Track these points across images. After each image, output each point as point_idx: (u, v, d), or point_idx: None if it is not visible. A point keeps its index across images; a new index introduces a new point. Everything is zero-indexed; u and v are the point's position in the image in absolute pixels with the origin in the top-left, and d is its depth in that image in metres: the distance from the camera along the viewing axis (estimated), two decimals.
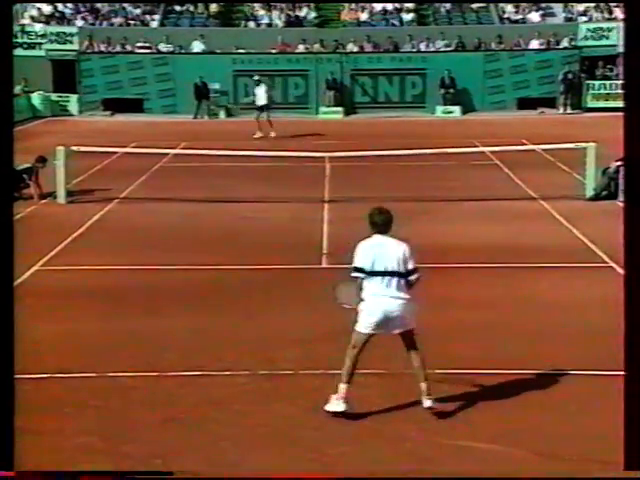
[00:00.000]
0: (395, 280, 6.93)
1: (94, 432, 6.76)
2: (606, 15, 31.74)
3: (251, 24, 32.59)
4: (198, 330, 9.08)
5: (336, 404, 6.93)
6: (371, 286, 6.96)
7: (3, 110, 5.32)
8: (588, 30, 30.41)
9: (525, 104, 28.96)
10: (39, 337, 8.52)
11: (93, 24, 32.20)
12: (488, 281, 10.72)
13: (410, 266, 6.98)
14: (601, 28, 30.46)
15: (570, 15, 32.02)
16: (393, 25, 32.14)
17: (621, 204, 14.70)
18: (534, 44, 30.26)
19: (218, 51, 30.12)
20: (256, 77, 25.01)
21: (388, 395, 7.46)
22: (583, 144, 15.62)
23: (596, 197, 15.08)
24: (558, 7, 32.21)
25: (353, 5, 32.76)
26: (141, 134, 23.81)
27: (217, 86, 28.90)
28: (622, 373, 7.39)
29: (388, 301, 6.92)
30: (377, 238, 7.15)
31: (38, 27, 30.56)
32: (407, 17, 32.41)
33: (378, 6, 32.77)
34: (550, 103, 28.92)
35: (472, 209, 14.62)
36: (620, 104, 27.53)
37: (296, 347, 8.52)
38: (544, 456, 6.37)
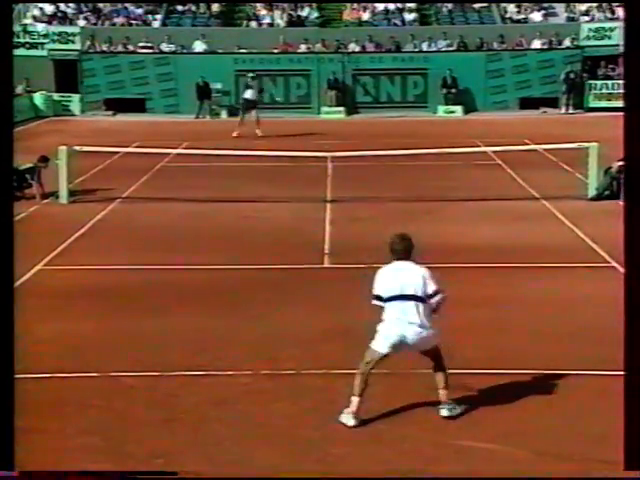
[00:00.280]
0: (413, 305, 6.88)
1: (95, 432, 6.76)
2: (608, 15, 31.70)
3: (253, 24, 32.60)
4: (200, 330, 9.08)
5: (346, 418, 6.90)
6: (390, 312, 6.97)
7: (3, 110, 5.32)
8: (590, 30, 30.37)
9: (527, 104, 28.95)
10: (40, 336, 8.53)
11: (95, 24, 32.22)
12: (490, 281, 10.72)
13: (430, 290, 6.91)
14: (603, 28, 30.43)
15: (572, 15, 31.99)
16: (395, 25, 32.13)
17: (623, 204, 14.70)
18: (536, 44, 30.24)
19: (220, 51, 30.12)
20: (251, 74, 24.95)
21: (390, 394, 7.45)
22: (585, 144, 15.61)
23: (598, 197, 15.06)
24: (560, 7, 32.18)
25: (355, 5, 32.75)
26: (143, 134, 23.83)
27: (219, 86, 28.91)
28: (620, 372, 7.41)
29: (405, 327, 6.90)
30: (396, 264, 7.12)
31: (40, 27, 30.58)
32: (409, 17, 32.40)
33: (380, 6, 32.75)
34: (552, 103, 28.90)
35: (474, 209, 14.61)
36: (622, 104, 27.49)
37: (298, 347, 8.51)
38: (545, 456, 6.37)
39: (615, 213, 14.15)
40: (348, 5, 32.81)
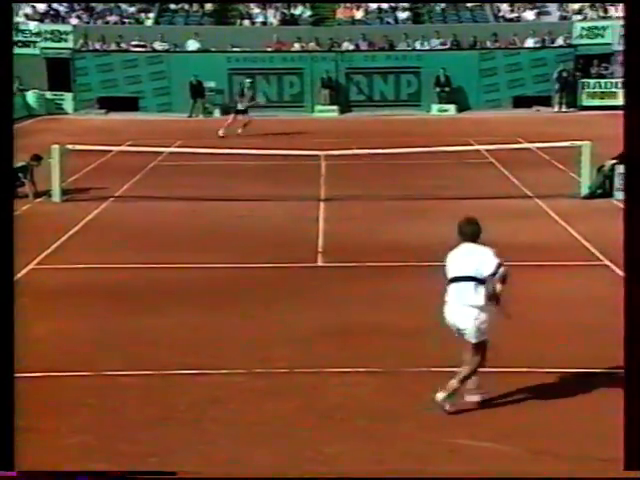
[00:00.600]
0: (464, 287, 6.95)
1: (89, 431, 6.75)
2: (601, 14, 31.79)
3: (246, 22, 32.58)
4: (194, 328, 9.07)
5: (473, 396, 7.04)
6: (447, 294, 7.06)
7: (3, 109, 5.32)
8: (583, 29, 30.44)
9: (520, 102, 28.98)
10: (34, 335, 8.50)
11: (88, 22, 32.15)
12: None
13: (488, 271, 6.94)
14: (596, 27, 30.50)
15: (565, 13, 32.06)
16: (388, 23, 32.14)
17: (616, 202, 14.73)
18: (529, 42, 30.29)
19: (213, 49, 30.09)
20: (248, 81, 24.90)
21: (383, 393, 7.47)
22: (578, 142, 15.63)
23: (591, 195, 15.09)
24: (553, 5, 32.23)
25: (348, 3, 32.76)
26: (136, 132, 23.79)
27: (212, 84, 28.88)
28: (618, 371, 7.42)
29: (456, 309, 7.00)
30: (460, 247, 7.19)
31: (32, 25, 30.49)
32: (402, 15, 32.42)
33: (373, 4, 32.77)
34: (545, 101, 28.94)
35: (467, 207, 14.50)
36: (615, 102, 27.74)
37: (292, 345, 8.52)
38: (541, 454, 6.37)
39: (608, 211, 14.20)
40: (341, 4, 32.81)
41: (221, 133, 23.07)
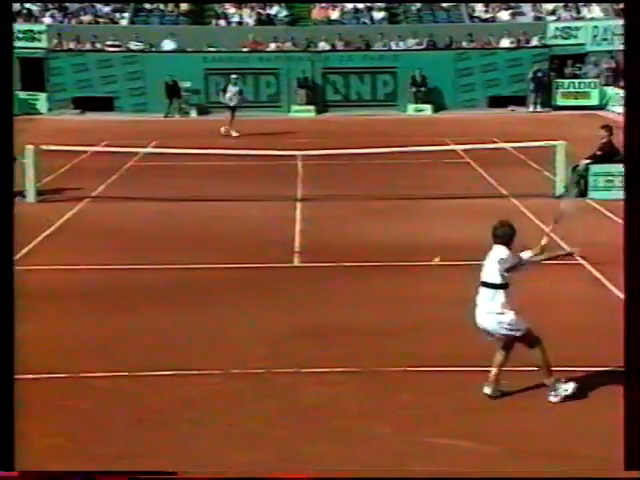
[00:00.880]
0: (483, 293, 7.23)
1: (62, 433, 6.71)
2: (574, 14, 32.06)
3: (222, 22, 32.51)
4: (169, 329, 9.04)
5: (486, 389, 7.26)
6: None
7: (3, 108, 5.26)
8: (557, 29, 30.70)
9: (496, 102, 29.13)
10: None
11: (62, 22, 31.92)
12: (461, 278, 10.74)
13: (496, 280, 7.18)
14: (569, 27, 30.77)
15: (539, 14, 32.28)
16: (364, 23, 32.19)
17: (590, 201, 14.85)
18: (504, 43, 30.46)
19: (189, 49, 30.00)
20: (234, 76, 24.91)
21: (360, 393, 7.48)
22: (553, 142, 15.74)
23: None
24: (527, 6, 32.44)
25: (324, 3, 32.78)
26: (112, 133, 23.66)
27: (188, 84, 28.79)
28: (597, 369, 7.49)
29: (480, 313, 7.24)
30: (493, 248, 7.40)
31: None
32: (378, 15, 32.48)
33: (349, 4, 32.81)
34: (520, 101, 29.12)
35: (444, 207, 14.68)
36: (588, 102, 27.88)
37: (268, 346, 8.51)
38: (515, 452, 6.41)
39: (583, 210, 14.30)
40: (317, 3, 32.82)
41: (223, 131, 23.16)
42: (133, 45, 30.47)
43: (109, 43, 30.42)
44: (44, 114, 28.92)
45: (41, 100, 29.42)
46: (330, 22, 32.31)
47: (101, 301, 9.96)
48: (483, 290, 7.20)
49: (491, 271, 7.20)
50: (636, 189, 5.46)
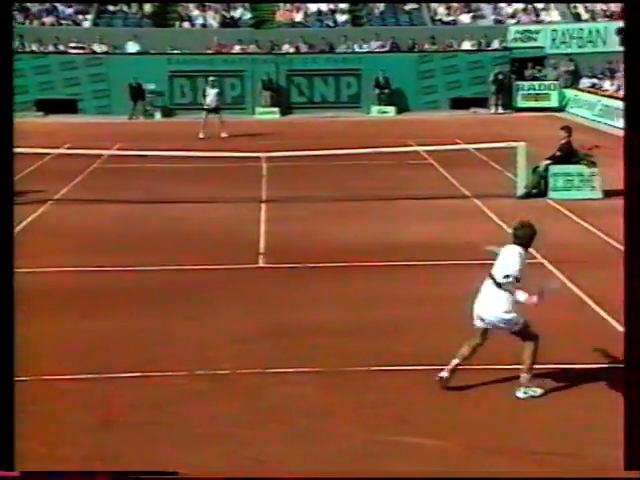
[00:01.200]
0: (489, 284, 7.38)
1: (31, 437, 6.68)
2: (533, 18, 32.51)
3: (186, 25, 32.43)
4: (135, 331, 9.04)
5: (443, 373, 7.40)
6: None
7: (3, 108, 5.26)
8: (517, 32, 31.14)
9: (458, 104, 29.41)
10: None
11: (23, 23, 31.63)
12: (423, 278, 10.90)
13: (501, 274, 7.30)
14: (529, 30, 31.21)
15: (500, 17, 32.66)
16: (328, 26, 32.34)
17: (551, 201, 15.08)
18: (466, 45, 30.78)
19: (153, 52, 29.90)
20: (212, 78, 24.91)
21: (324, 392, 7.54)
22: (514, 143, 15.93)
23: (527, 195, 15.41)
24: (488, 9, 32.83)
25: (288, 6, 32.85)
26: (75, 135, 23.50)
27: (152, 87, 28.69)
28: (562, 366, 7.63)
29: (481, 302, 7.41)
30: (508, 248, 7.49)
31: None
32: (341, 18, 32.63)
33: (312, 7, 32.93)
34: (482, 103, 29.43)
35: (407, 208, 14.81)
36: (548, 104, 28.25)
37: (234, 346, 8.55)
38: (477, 449, 6.50)
39: (543, 210, 14.53)
40: (281, 6, 32.89)
41: (201, 135, 23.09)
42: (97, 47, 30.29)
43: (72, 45, 30.22)
44: None
45: None
46: (294, 25, 32.41)
47: (66, 304, 9.94)
48: (490, 283, 7.34)
49: (499, 266, 7.34)
50: (636, 189, 5.54)
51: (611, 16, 32.28)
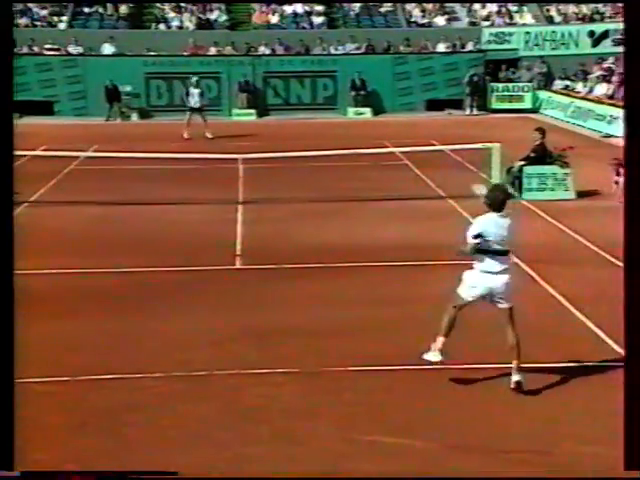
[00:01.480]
0: (497, 257, 7.56)
1: None
2: (507, 20, 32.77)
3: (162, 26, 32.36)
4: (110, 333, 9.02)
5: (433, 355, 7.44)
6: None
7: (3, 108, 5.24)
8: (491, 34, 31.39)
9: (433, 105, 29.56)
10: None
11: None
12: (397, 279, 10.96)
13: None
14: (503, 33, 31.48)
15: (474, 19, 32.88)
16: (303, 28, 32.40)
17: (525, 202, 15.21)
18: (440, 47, 30.95)
19: (129, 53, 29.80)
20: (195, 78, 24.91)
21: (301, 393, 7.56)
22: (488, 144, 16.05)
23: None
24: (462, 11, 33.05)
25: (264, 8, 32.87)
26: (51, 137, 23.35)
27: (128, 88, 28.60)
28: (530, 366, 7.71)
29: (489, 275, 7.56)
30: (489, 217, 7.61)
31: None
32: (317, 20, 32.70)
33: (288, 9, 32.97)
34: (457, 104, 29.60)
35: (382, 209, 14.88)
36: (522, 105, 28.42)
37: (210, 348, 8.56)
38: (454, 448, 6.56)
39: (517, 211, 14.64)
40: (257, 8, 32.90)
41: (186, 136, 23.03)
42: (72, 49, 30.13)
43: (47, 47, 30.04)
44: None
45: None
46: (270, 27, 32.44)
47: (39, 306, 9.88)
48: (493, 257, 7.40)
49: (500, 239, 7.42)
50: (636, 189, 5.57)
51: (583, 19, 32.61)
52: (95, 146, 21.14)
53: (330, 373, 7.92)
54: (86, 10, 32.61)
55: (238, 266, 11.59)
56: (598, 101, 26.17)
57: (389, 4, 32.82)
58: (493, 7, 33.06)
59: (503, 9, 32.94)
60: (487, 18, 32.84)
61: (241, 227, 13.66)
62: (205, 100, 24.79)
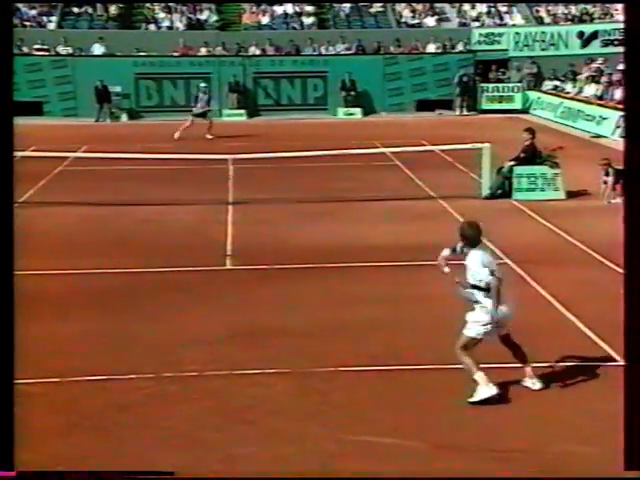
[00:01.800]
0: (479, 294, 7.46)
1: None
2: (497, 21, 32.86)
3: (152, 27, 32.31)
4: (102, 334, 9.01)
5: (487, 390, 7.19)
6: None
7: (4, 109, 5.23)
8: (481, 35, 31.48)
9: (423, 106, 29.62)
10: None
11: None
12: (388, 279, 10.97)
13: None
14: (492, 33, 31.58)
15: (464, 20, 32.96)
16: (294, 28, 32.41)
17: (515, 202, 15.26)
18: (431, 48, 31.01)
19: (119, 54, 29.74)
20: (203, 84, 25.03)
21: (292, 393, 7.57)
22: (479, 145, 16.08)
23: (491, 196, 15.56)
24: (452, 12, 33.13)
25: (254, 8, 32.86)
26: (41, 138, 23.25)
27: (118, 89, 28.55)
28: (516, 366, 7.73)
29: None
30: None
31: None
32: (307, 21, 32.72)
33: (279, 9, 32.97)
34: (447, 105, 29.67)
35: (373, 209, 14.89)
36: (511, 106, 28.48)
37: (201, 348, 8.55)
38: (443, 448, 6.57)
39: (507, 211, 14.70)
40: (247, 9, 32.90)
41: (176, 136, 23.07)
42: (61, 49, 30.06)
43: (37, 47, 29.95)
44: None
45: None
46: (260, 27, 32.44)
47: (31, 307, 9.83)
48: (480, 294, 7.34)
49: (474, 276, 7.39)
50: (636, 189, 5.60)
51: (572, 19, 32.74)
52: (85, 147, 21.09)
53: (321, 373, 7.92)
54: (75, 10, 32.54)
55: (229, 267, 11.59)
56: (587, 102, 26.27)
57: (379, 5, 32.86)
58: (483, 8, 33.15)
59: (493, 10, 33.02)
60: (477, 19, 32.93)
61: (231, 227, 13.65)
62: (212, 105, 24.84)
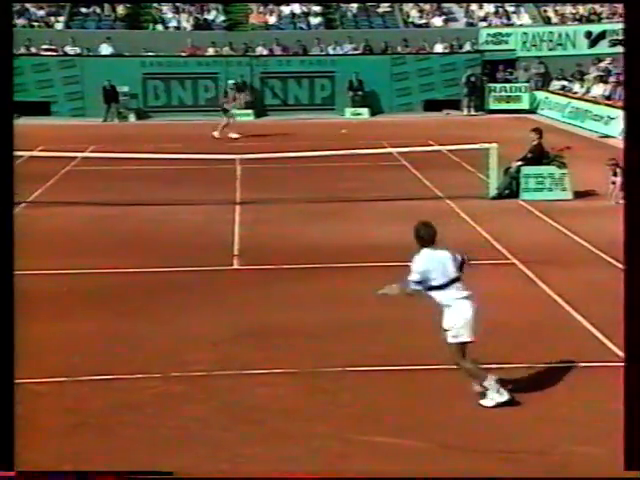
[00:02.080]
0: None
1: None
2: (505, 21, 32.81)
3: (159, 27, 32.36)
4: (109, 334, 9.03)
5: (499, 396, 7.10)
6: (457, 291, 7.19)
7: (4, 109, 5.25)
8: (488, 35, 31.44)
9: (431, 106, 29.60)
10: None
11: None
12: (397, 279, 10.94)
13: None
14: (500, 33, 31.53)
15: (471, 20, 32.92)
16: (301, 29, 32.42)
17: (522, 202, 15.24)
18: (438, 48, 30.98)
19: (126, 54, 29.80)
20: (231, 81, 25.36)
21: (300, 393, 7.57)
22: (486, 145, 16.06)
23: (499, 196, 15.55)
24: (460, 12, 33.10)
25: (261, 8, 32.89)
26: (48, 138, 23.35)
27: (126, 89, 28.61)
28: (527, 366, 7.72)
29: (470, 301, 7.26)
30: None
31: None
32: (315, 21, 32.72)
33: (286, 9, 32.99)
34: (455, 105, 29.65)
35: (380, 209, 14.89)
36: (519, 106, 28.44)
37: (208, 348, 8.56)
38: (450, 448, 6.56)
39: (515, 211, 14.68)
40: (254, 9, 32.92)
41: (235, 136, 23.33)
42: (69, 49, 30.13)
43: (45, 47, 30.03)
44: None
45: None
46: (267, 27, 32.45)
47: (39, 307, 9.88)
48: (449, 287, 7.13)
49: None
50: (636, 189, 5.57)
51: (580, 19, 32.66)
52: (92, 147, 21.14)
53: (328, 374, 7.92)
54: (83, 10, 32.61)
55: (236, 266, 11.60)
56: (595, 102, 26.21)
57: (387, 5, 32.84)
58: (490, 8, 33.10)
59: (500, 10, 32.97)
60: (484, 19, 32.88)
61: (239, 227, 13.67)
62: (234, 102, 25.09)
